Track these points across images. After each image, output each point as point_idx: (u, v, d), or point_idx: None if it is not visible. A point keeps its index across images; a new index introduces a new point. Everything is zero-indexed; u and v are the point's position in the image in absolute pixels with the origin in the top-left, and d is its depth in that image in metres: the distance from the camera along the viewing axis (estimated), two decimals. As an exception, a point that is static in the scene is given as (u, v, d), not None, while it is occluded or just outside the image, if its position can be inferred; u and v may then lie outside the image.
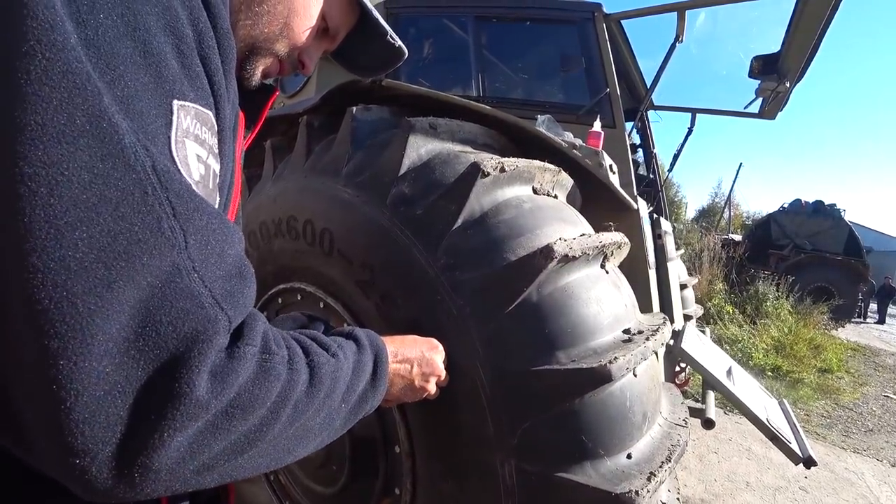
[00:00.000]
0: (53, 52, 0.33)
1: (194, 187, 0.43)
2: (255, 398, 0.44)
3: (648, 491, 0.85)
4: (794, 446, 1.85)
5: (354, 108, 1.27)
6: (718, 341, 6.72)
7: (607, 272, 1.11)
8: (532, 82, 2.38)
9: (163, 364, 0.37)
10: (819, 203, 12.25)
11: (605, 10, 2.12)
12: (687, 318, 3.27)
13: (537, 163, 1.18)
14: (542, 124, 1.55)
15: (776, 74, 2.49)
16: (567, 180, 1.35)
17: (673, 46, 2.06)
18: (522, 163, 1.11)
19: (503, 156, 1.25)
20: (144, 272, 0.36)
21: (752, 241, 11.74)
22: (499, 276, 0.93)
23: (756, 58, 2.50)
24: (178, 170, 0.41)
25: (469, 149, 1.26)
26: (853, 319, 12.84)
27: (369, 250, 1.13)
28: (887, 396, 5.83)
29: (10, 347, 0.34)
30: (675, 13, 2.03)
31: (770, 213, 13.44)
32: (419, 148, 1.13)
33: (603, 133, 1.62)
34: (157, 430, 0.37)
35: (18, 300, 0.32)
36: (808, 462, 1.80)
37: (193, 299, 0.39)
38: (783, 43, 2.24)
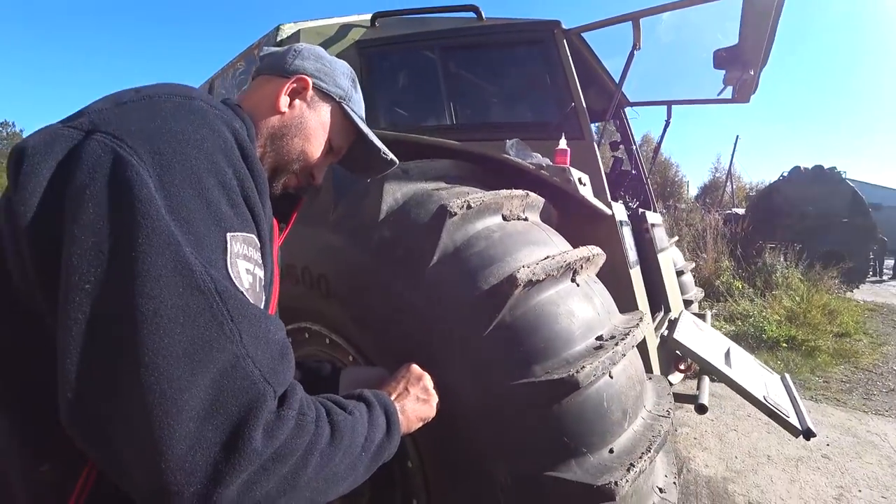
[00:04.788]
0: (151, 222, 0.51)
1: (245, 294, 0.59)
2: (292, 447, 0.58)
3: (628, 481, 0.95)
4: (794, 419, 1.93)
5: (334, 159, 1.40)
6: (730, 318, 6.71)
7: (578, 285, 1.22)
8: (502, 105, 2.48)
9: (231, 425, 0.52)
10: (818, 168, 12.14)
11: (564, 25, 2.23)
12: (688, 303, 3.34)
13: (504, 192, 1.29)
14: (512, 148, 1.66)
15: (740, 64, 2.59)
16: (537, 200, 1.46)
17: (632, 54, 2.16)
18: (489, 196, 1.23)
19: (480, 185, 1.36)
20: (215, 361, 0.52)
21: (755, 214, 11.69)
22: (474, 304, 1.05)
23: (718, 51, 2.60)
24: (234, 284, 0.58)
25: (442, 185, 1.38)
26: (868, 279, 12.70)
27: (361, 290, 1.25)
28: (907, 353, 5.80)
29: (124, 416, 0.49)
30: (631, 22, 2.14)
31: (771, 183, 13.37)
32: (395, 193, 1.26)
33: (569, 149, 1.73)
34: (227, 471, 0.51)
35: (131, 385, 0.48)
36: (808, 434, 1.86)
37: (249, 378, 0.54)
38: (739, 36, 2.33)
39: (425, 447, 1.19)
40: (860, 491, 2.74)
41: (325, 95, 0.91)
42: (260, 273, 0.65)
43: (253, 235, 0.64)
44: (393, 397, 0.89)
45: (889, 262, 16.78)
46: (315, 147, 0.90)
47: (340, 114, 0.94)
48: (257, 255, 0.65)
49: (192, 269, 0.52)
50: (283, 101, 0.86)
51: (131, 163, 0.52)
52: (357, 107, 0.97)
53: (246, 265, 0.61)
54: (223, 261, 0.57)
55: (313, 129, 0.89)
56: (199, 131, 0.61)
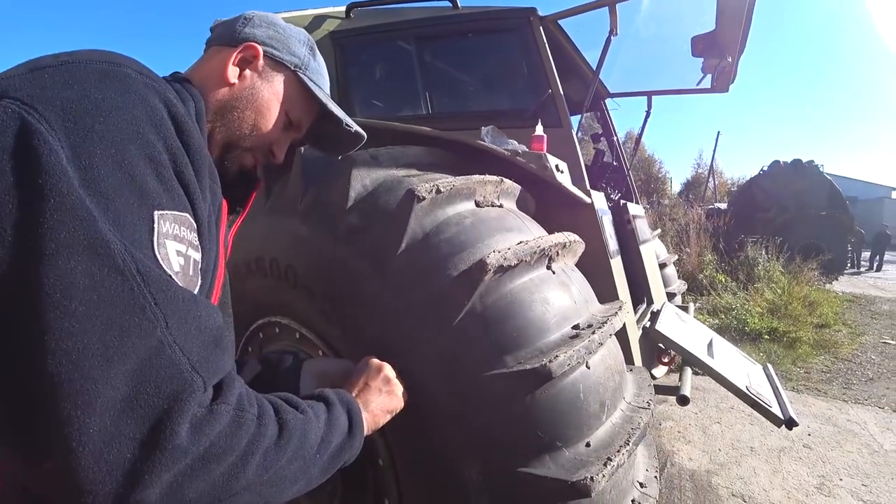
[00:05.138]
0: (60, 196, 0.45)
1: (174, 277, 0.54)
2: (226, 445, 0.53)
3: (605, 475, 0.90)
4: (776, 409, 1.91)
5: (302, 148, 1.34)
6: (714, 311, 6.78)
7: (554, 272, 1.18)
8: (478, 93, 2.44)
9: (152, 418, 0.47)
10: (797, 161, 12.36)
11: (540, 12, 2.19)
12: (671, 295, 3.34)
13: (477, 177, 1.24)
14: (487, 135, 1.61)
15: (717, 51, 2.58)
16: (513, 187, 1.41)
17: (608, 40, 2.13)
18: (460, 181, 1.17)
19: (454, 173, 1.31)
20: (135, 348, 0.47)
21: (736, 208, 11.85)
22: (442, 292, 1.00)
23: (695, 38, 2.58)
24: (161, 265, 0.53)
25: (414, 172, 1.32)
26: (846, 271, 12.97)
27: (329, 281, 1.19)
28: (885, 343, 5.91)
29: (31, 411, 0.44)
30: (607, 8, 2.11)
31: (751, 178, 13.57)
32: (363, 179, 1.20)
33: (546, 136, 1.68)
34: (147, 470, 0.46)
35: (38, 375, 0.43)
36: (790, 423, 1.85)
37: (174, 367, 0.49)
38: (716, 22, 2.32)
39: (395, 445, 1.13)
40: (841, 479, 2.76)
41: (278, 64, 0.85)
42: (195, 255, 0.60)
43: (187, 214, 0.59)
44: (354, 394, 0.84)
45: (866, 255, 17.19)
46: (268, 120, 0.84)
47: (297, 84, 0.88)
48: (192, 236, 0.60)
49: (110, 247, 0.47)
50: (232, 71, 0.80)
51: (39, 130, 0.47)
52: (316, 76, 0.90)
53: (177, 246, 0.56)
54: (149, 240, 0.52)
55: (266, 100, 0.83)
56: (124, 100, 0.55)
